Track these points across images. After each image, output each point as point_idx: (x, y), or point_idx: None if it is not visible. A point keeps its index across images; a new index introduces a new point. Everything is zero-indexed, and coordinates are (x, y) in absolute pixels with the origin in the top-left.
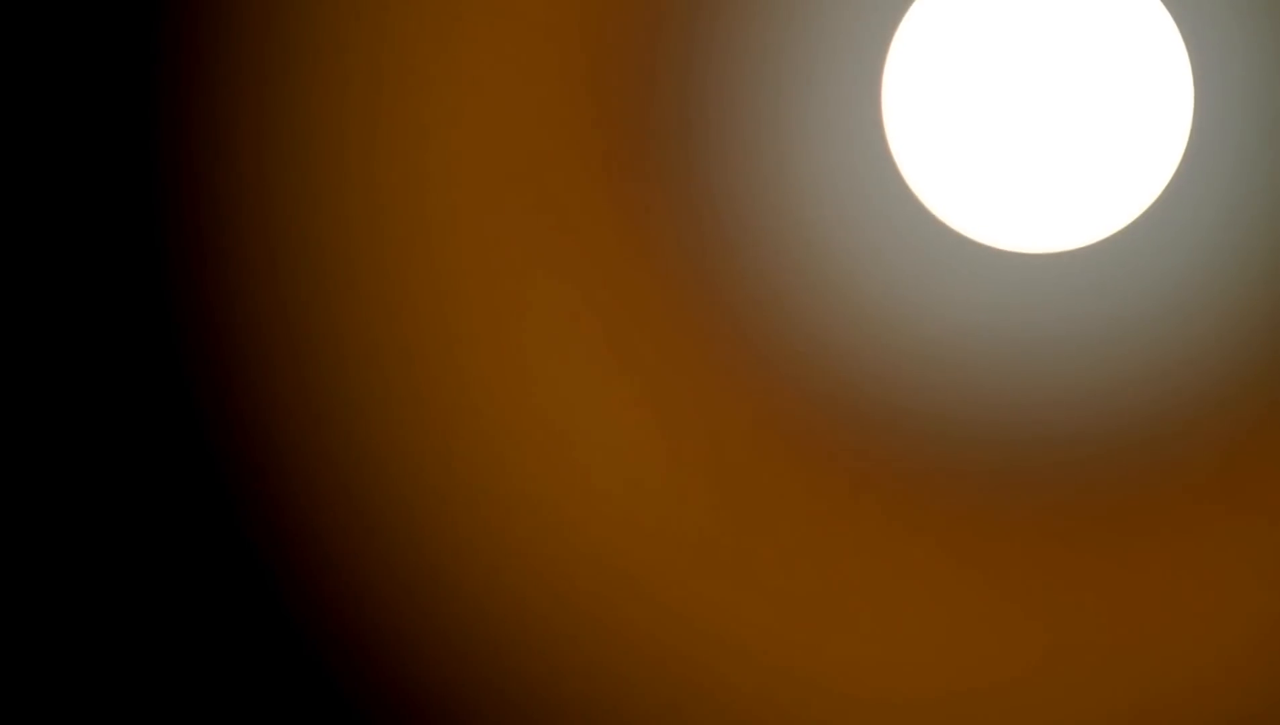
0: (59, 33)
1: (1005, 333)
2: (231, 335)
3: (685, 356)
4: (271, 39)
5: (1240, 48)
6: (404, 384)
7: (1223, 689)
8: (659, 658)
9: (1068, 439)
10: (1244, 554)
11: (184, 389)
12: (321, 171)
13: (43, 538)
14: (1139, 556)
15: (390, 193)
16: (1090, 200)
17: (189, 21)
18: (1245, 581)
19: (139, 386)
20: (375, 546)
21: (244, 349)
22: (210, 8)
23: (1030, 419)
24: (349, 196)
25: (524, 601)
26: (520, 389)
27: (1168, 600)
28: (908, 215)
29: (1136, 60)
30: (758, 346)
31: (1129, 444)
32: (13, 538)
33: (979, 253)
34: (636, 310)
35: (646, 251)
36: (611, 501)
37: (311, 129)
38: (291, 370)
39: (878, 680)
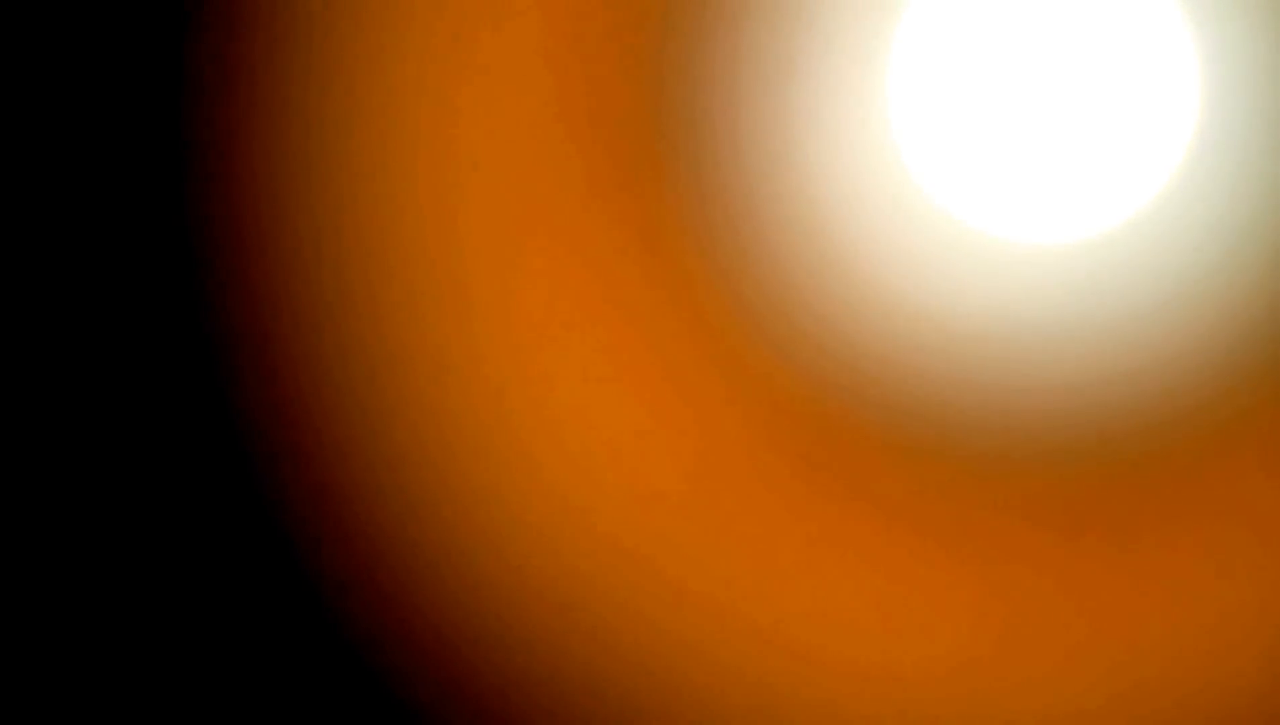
0: (96, 34)
1: (1007, 320)
2: (259, 320)
3: (686, 343)
4: (299, 49)
5: (1246, 43)
6: (409, 356)
7: (1187, 673)
8: (637, 614)
9: (1062, 426)
10: (1235, 549)
11: (214, 377)
12: (334, 175)
13: (66, 517)
14: (1127, 548)
15: (400, 183)
16: (1094, 192)
17: (230, 46)
18: (1227, 575)
19: (166, 366)
20: (378, 498)
21: (269, 333)
22: (249, 34)
23: (1025, 405)
24: (363, 189)
25: (509, 560)
26: (520, 363)
27: (1151, 588)
28: (913, 205)
29: (1142, 53)
30: (760, 334)
31: (1123, 434)
32: (37, 520)
33: (983, 242)
34: (641, 293)
35: (654, 236)
36: (616, 473)
37: (325, 147)
38: (315, 353)
39: (852, 646)
